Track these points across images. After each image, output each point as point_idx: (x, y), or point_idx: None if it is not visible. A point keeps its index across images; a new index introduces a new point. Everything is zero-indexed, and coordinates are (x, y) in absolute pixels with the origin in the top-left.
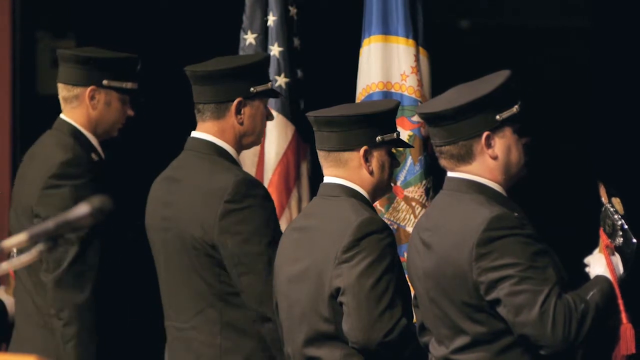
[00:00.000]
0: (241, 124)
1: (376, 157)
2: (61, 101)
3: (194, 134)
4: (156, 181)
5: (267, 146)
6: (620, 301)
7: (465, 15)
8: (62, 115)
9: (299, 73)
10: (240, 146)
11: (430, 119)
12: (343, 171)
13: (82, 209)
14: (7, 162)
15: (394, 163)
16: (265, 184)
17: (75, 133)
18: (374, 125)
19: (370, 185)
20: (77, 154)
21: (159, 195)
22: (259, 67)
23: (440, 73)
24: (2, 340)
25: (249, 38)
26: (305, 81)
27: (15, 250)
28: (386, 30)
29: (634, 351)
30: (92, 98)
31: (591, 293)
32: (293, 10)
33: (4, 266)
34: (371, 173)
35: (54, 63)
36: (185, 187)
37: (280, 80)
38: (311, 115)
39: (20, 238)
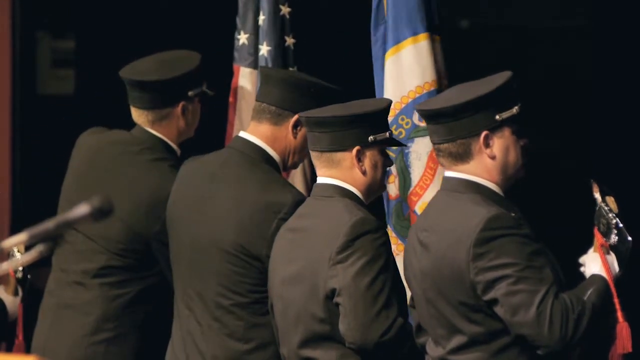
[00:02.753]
0: (294, 137)
1: (369, 157)
2: (143, 122)
3: (242, 134)
4: (196, 174)
5: None
6: (616, 300)
7: (465, 15)
8: (153, 131)
9: None
10: (286, 161)
11: (429, 116)
12: (336, 171)
13: (82, 209)
14: (7, 162)
15: (386, 162)
16: None
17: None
18: (366, 125)
19: (364, 185)
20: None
21: (196, 188)
22: (329, 93)
23: None
24: (2, 340)
25: (242, 38)
26: None
27: (15, 250)
28: (428, 27)
29: (630, 350)
30: (183, 112)
31: (588, 292)
32: (285, 10)
33: (4, 266)
34: (364, 173)
35: (54, 63)
36: (231, 189)
37: None
38: (303, 115)
39: (20, 238)
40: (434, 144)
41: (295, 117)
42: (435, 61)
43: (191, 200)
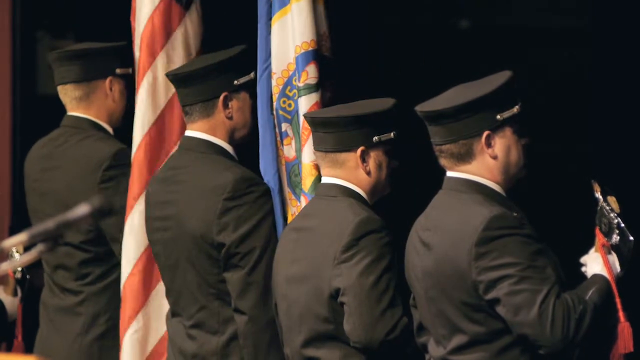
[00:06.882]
0: (230, 118)
1: (373, 157)
2: (71, 102)
3: (188, 132)
4: (153, 182)
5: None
6: (617, 300)
7: (465, 15)
8: (76, 113)
9: None
10: (233, 141)
11: (430, 118)
12: (340, 172)
13: (82, 209)
14: (7, 162)
15: (391, 163)
16: None
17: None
18: (371, 125)
19: (368, 185)
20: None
21: (158, 196)
22: (239, 59)
23: (440, 73)
24: (2, 340)
25: None
26: None
27: (14, 250)
28: None
29: (632, 349)
30: (110, 89)
31: (589, 292)
32: None
33: (4, 266)
34: (368, 173)
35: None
36: (185, 186)
37: None
38: (307, 115)
39: (20, 238)
40: (435, 145)
41: (221, 99)
42: (317, 22)
43: (155, 210)
